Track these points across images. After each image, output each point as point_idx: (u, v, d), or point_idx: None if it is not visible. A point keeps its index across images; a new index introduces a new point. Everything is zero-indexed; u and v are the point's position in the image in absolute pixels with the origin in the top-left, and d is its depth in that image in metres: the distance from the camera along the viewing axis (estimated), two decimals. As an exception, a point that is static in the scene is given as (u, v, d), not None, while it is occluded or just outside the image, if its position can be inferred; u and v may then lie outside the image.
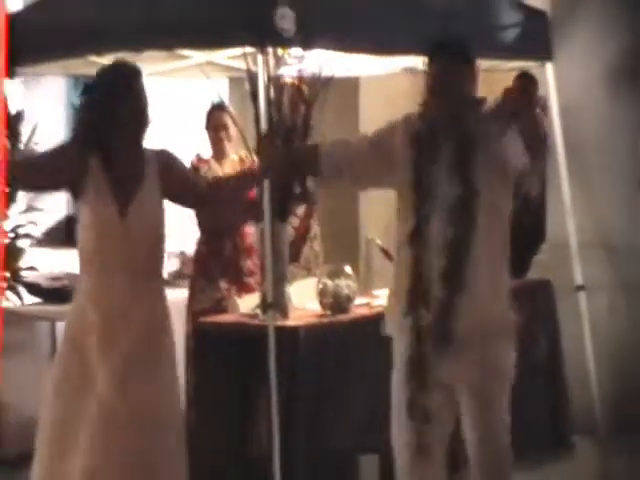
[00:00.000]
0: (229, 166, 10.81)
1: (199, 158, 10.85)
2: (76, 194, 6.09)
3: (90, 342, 6.10)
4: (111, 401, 6.16)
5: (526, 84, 9.50)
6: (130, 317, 6.17)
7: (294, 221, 10.29)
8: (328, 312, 9.47)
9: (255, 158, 9.71)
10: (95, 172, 5.90)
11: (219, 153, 10.86)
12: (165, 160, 6.29)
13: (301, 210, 10.41)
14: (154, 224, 6.21)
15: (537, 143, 6.31)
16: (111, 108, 6.13)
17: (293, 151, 7.18)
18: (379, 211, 6.28)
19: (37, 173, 6.28)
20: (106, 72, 6.43)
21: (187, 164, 9.84)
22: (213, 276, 10.36)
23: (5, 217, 9.19)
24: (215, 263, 10.15)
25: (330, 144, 6.89)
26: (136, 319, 6.22)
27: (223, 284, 10.38)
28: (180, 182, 6.29)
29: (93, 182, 5.93)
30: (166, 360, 6.23)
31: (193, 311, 10.22)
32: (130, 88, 6.19)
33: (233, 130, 10.76)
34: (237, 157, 10.84)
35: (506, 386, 6.76)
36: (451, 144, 6.31)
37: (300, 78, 9.77)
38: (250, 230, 10.59)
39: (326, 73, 9.58)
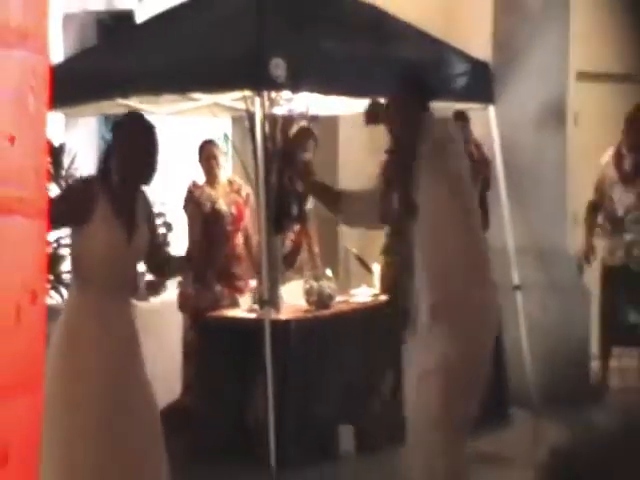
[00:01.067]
0: (221, 189, 10.79)
1: (195, 184, 10.75)
2: (79, 225, 5.79)
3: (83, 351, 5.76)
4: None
5: (461, 119, 9.80)
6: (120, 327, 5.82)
7: (291, 235, 10.29)
8: (313, 308, 9.60)
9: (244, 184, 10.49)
10: (104, 208, 5.62)
11: (211, 179, 10.76)
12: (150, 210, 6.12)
13: (297, 227, 10.35)
14: (140, 257, 5.99)
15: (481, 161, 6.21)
16: (127, 157, 5.85)
17: (318, 186, 7.01)
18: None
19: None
20: (124, 124, 6.09)
21: (185, 190, 10.59)
22: (209, 281, 10.14)
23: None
24: (211, 268, 10.06)
25: (349, 196, 6.68)
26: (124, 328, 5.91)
27: (217, 287, 10.22)
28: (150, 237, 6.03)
29: (101, 216, 5.64)
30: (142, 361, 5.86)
31: (192, 309, 10.00)
32: (146, 142, 5.91)
33: (221, 160, 10.84)
34: (227, 181, 10.87)
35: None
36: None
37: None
38: (239, 241, 10.58)
39: (312, 112, 9.84)
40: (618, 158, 11.60)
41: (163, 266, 6.35)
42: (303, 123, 10.14)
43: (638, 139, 11.56)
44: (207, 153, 10.71)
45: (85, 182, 6.01)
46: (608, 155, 11.75)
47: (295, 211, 9.41)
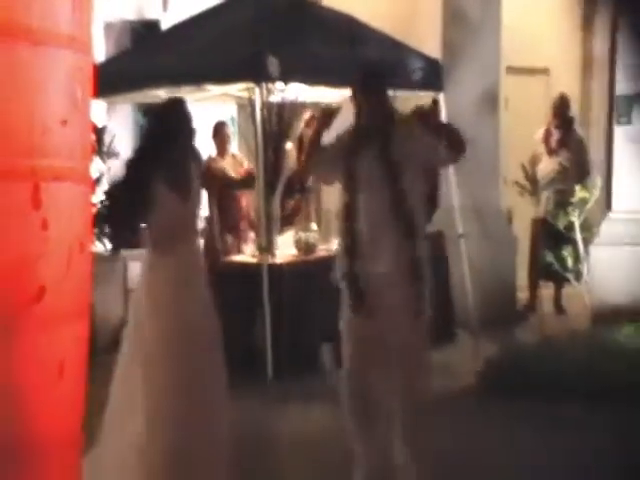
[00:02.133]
0: (228, 160, 10.76)
1: (210, 157, 10.61)
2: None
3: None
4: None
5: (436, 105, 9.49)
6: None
7: (291, 202, 10.29)
8: (301, 253, 9.54)
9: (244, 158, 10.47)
10: (160, 180, 5.53)
11: (222, 153, 10.73)
12: (199, 164, 5.94)
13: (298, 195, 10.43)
14: (199, 206, 5.84)
15: (457, 137, 5.88)
16: (174, 132, 5.74)
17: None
18: (335, 191, 6.22)
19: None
20: (166, 106, 5.95)
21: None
22: (222, 232, 10.04)
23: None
24: (223, 224, 10.03)
25: (316, 161, 6.06)
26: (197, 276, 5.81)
27: (229, 238, 10.07)
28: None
29: (159, 186, 5.55)
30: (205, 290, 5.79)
31: (210, 255, 9.96)
32: (185, 117, 5.81)
33: (228, 138, 10.84)
34: (231, 155, 10.85)
35: None
36: (375, 147, 5.72)
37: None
38: (244, 203, 10.52)
39: (300, 99, 9.77)
40: (547, 135, 11.84)
41: None
42: (310, 112, 10.34)
43: (561, 121, 11.82)
44: (220, 131, 10.72)
45: (139, 172, 5.82)
46: (539, 132, 11.95)
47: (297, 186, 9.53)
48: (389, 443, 5.53)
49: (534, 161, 11.78)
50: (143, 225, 5.78)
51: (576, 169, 11.54)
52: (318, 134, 5.88)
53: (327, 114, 6.04)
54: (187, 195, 5.62)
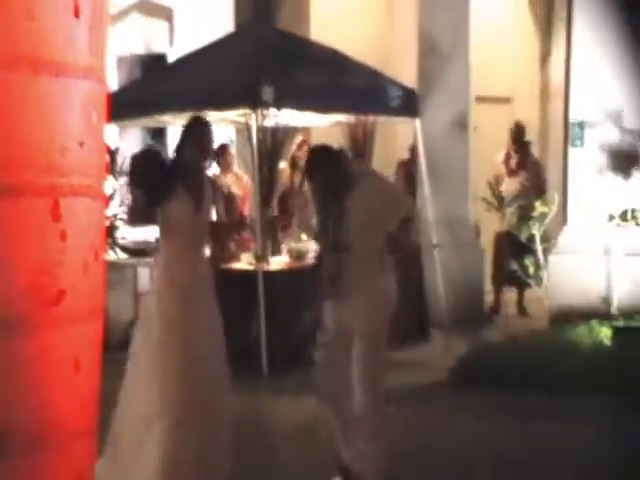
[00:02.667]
0: (231, 177, 10.76)
1: (215, 174, 10.54)
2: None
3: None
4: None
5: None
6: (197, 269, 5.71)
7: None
8: (292, 261, 9.52)
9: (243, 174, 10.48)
10: (180, 190, 5.49)
11: (225, 170, 10.71)
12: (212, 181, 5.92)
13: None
14: (210, 216, 5.77)
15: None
16: (198, 148, 5.70)
17: None
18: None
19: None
20: (194, 124, 5.84)
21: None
22: (226, 242, 10.01)
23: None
24: (227, 235, 10.00)
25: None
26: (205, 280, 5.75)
27: (232, 246, 10.02)
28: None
29: (177, 196, 5.52)
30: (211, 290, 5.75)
31: (214, 262, 9.91)
32: (208, 135, 5.76)
33: (232, 157, 10.84)
34: (234, 173, 10.83)
35: None
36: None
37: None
38: (245, 216, 10.30)
39: (292, 124, 9.88)
40: (507, 158, 11.98)
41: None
42: (301, 136, 10.50)
43: (518, 146, 11.99)
44: (224, 152, 10.68)
45: (165, 175, 5.76)
46: (500, 155, 12.06)
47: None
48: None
49: (497, 181, 11.86)
50: (157, 230, 5.79)
51: (534, 187, 11.68)
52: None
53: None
54: (200, 205, 5.58)
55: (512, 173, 11.85)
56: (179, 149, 5.71)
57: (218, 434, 5.49)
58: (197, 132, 5.74)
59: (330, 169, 5.57)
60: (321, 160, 5.67)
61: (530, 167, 11.96)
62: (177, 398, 5.39)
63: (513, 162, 11.94)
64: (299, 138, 10.41)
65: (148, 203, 5.66)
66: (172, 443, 5.34)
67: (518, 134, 12.06)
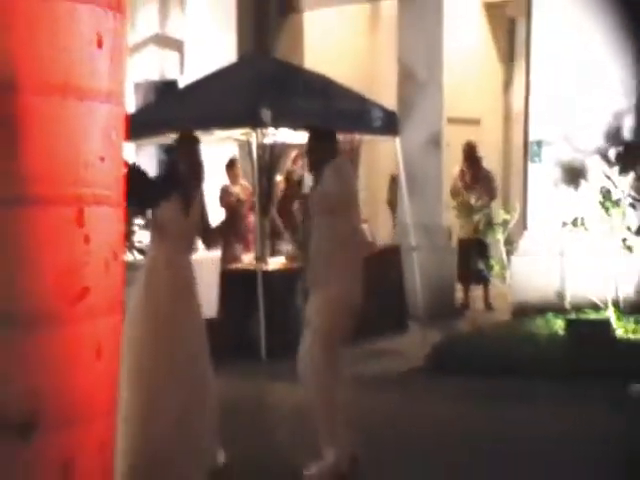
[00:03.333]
0: (238, 187, 10.67)
1: (225, 185, 10.64)
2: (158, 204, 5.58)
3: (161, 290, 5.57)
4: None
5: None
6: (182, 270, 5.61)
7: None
8: (288, 262, 9.49)
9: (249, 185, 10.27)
10: (174, 196, 5.43)
11: (234, 181, 10.67)
12: (201, 198, 5.74)
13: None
14: (198, 220, 5.67)
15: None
16: (189, 163, 5.64)
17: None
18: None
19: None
20: (182, 141, 5.81)
21: (220, 189, 10.46)
22: (234, 245, 9.94)
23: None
24: (235, 239, 9.92)
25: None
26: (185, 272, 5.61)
27: (239, 249, 9.97)
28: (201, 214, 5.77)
29: (171, 200, 5.46)
30: (194, 294, 5.61)
31: (223, 263, 9.85)
32: (197, 152, 5.70)
33: (239, 170, 10.75)
34: (241, 184, 10.74)
35: None
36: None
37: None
38: (250, 220, 10.32)
39: (287, 141, 9.93)
40: (462, 174, 12.03)
41: (209, 235, 5.95)
42: (297, 150, 10.35)
43: (470, 162, 12.08)
44: (232, 166, 10.71)
45: (162, 182, 5.69)
46: (455, 170, 12.14)
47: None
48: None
49: (455, 192, 11.89)
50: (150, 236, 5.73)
51: (487, 195, 11.75)
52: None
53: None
54: (187, 210, 5.49)
55: (468, 187, 11.90)
56: (171, 160, 5.66)
57: (197, 412, 5.32)
58: (186, 147, 5.69)
59: None
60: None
61: (483, 180, 12.01)
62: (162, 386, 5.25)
63: (468, 177, 11.98)
64: (294, 153, 10.40)
65: (141, 205, 5.61)
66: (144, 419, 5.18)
67: (470, 152, 12.11)
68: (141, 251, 10.52)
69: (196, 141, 5.74)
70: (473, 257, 11.30)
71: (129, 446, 5.02)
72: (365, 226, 10.80)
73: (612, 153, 9.85)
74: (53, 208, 2.72)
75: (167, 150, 6.14)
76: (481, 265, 10.78)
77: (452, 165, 12.25)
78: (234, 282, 8.97)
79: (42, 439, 2.69)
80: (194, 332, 5.45)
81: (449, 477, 5.62)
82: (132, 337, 5.15)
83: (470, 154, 12.05)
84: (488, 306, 11.84)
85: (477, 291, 12.02)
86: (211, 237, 6.01)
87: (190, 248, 5.66)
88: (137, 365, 5.21)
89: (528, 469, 5.72)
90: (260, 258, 9.13)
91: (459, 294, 12.05)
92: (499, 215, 10.87)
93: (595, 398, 7.22)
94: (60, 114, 2.73)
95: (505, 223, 10.68)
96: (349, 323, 5.48)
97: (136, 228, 10.80)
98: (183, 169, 5.57)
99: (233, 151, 11.41)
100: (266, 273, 8.99)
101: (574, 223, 9.83)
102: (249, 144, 9.52)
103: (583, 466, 5.72)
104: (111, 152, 2.89)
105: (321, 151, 5.55)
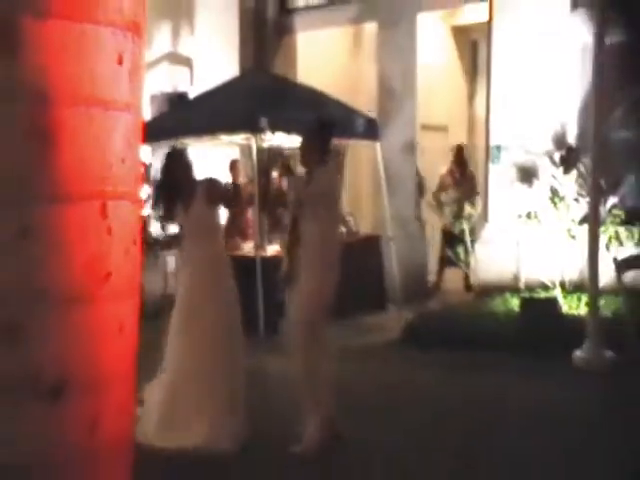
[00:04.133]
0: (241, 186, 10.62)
1: (227, 182, 10.44)
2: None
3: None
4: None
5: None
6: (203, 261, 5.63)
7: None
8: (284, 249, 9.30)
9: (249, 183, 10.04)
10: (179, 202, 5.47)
11: (235, 180, 10.53)
12: (208, 184, 5.65)
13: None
14: (202, 218, 5.60)
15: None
16: (184, 171, 5.62)
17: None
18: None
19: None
20: (170, 155, 5.77)
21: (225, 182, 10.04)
22: (234, 236, 9.90)
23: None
24: (235, 230, 9.87)
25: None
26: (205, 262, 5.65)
27: (238, 239, 9.94)
28: (219, 192, 5.75)
29: (179, 206, 5.49)
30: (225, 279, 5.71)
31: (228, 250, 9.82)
32: (185, 162, 5.67)
33: (240, 170, 10.63)
34: (243, 182, 10.63)
35: None
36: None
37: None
38: (249, 215, 10.28)
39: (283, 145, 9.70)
40: (451, 172, 11.94)
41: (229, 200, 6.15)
42: (286, 154, 10.30)
43: (458, 162, 11.97)
44: (234, 166, 10.61)
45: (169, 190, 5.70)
46: (444, 169, 12.00)
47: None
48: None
49: (443, 188, 11.83)
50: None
51: (472, 193, 11.66)
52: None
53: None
54: (187, 209, 5.48)
55: (457, 183, 11.84)
56: (165, 170, 5.62)
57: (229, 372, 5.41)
58: (174, 158, 5.67)
59: None
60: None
61: (468, 177, 11.98)
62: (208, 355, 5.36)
63: (457, 175, 11.93)
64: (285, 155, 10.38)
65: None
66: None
67: (460, 154, 12.05)
68: (156, 240, 10.50)
69: (181, 152, 5.75)
70: (454, 245, 11.29)
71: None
72: (350, 218, 10.82)
73: (557, 156, 9.87)
74: (81, 203, 2.72)
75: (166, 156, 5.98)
76: (450, 252, 10.78)
77: (424, 165, 12.25)
78: (235, 267, 8.94)
79: (71, 401, 2.70)
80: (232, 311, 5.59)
81: (423, 432, 5.65)
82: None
83: (460, 155, 11.98)
84: (468, 288, 11.69)
85: (449, 274, 11.97)
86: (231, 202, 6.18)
87: (204, 240, 5.60)
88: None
89: (488, 426, 5.78)
90: (259, 246, 9.09)
91: (431, 278, 12.03)
92: (465, 209, 10.88)
93: (544, 364, 7.28)
94: (86, 123, 2.73)
95: (470, 216, 10.70)
96: (325, 308, 5.30)
97: (152, 221, 10.79)
98: (177, 175, 5.56)
99: (235, 153, 11.37)
100: (264, 259, 8.93)
101: (528, 216, 9.85)
102: (249, 147, 9.49)
103: (534, 420, 5.82)
104: (130, 154, 2.88)
105: (316, 150, 5.35)
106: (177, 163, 5.64)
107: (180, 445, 5.09)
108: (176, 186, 5.55)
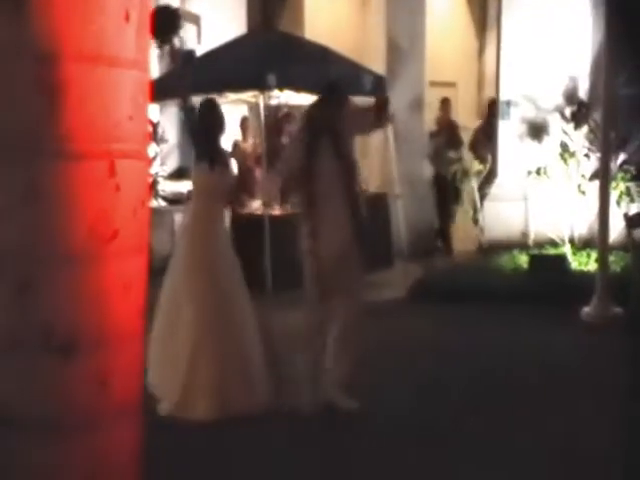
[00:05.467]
0: (249, 143, 10.64)
1: (236, 140, 10.49)
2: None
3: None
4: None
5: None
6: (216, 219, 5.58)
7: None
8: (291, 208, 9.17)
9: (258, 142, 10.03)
10: (202, 156, 5.42)
11: (245, 137, 10.63)
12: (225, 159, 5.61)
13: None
14: (225, 176, 5.55)
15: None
16: (216, 124, 5.55)
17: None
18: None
19: None
20: (207, 104, 5.71)
21: (231, 143, 10.06)
22: (242, 194, 9.86)
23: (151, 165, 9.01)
24: (243, 189, 9.86)
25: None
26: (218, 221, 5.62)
27: (246, 197, 9.91)
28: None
29: (201, 160, 5.43)
30: (228, 243, 5.66)
31: (233, 209, 9.74)
32: (219, 109, 5.64)
33: (250, 128, 10.66)
34: (252, 140, 10.65)
35: None
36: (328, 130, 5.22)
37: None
38: (257, 173, 10.24)
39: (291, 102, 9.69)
40: (484, 127, 11.72)
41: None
42: (286, 110, 10.21)
43: (491, 117, 11.43)
44: (244, 123, 10.63)
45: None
46: (477, 123, 12.02)
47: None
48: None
49: (477, 143, 11.53)
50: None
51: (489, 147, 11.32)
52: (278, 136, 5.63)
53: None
54: (213, 166, 5.42)
55: (489, 138, 11.35)
56: (198, 125, 5.50)
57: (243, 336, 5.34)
58: (212, 109, 5.62)
59: None
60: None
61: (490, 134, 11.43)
62: (202, 288, 5.29)
63: (489, 130, 11.49)
64: (284, 111, 10.34)
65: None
66: (196, 328, 5.20)
67: (493, 107, 11.36)
68: (165, 198, 10.51)
69: (216, 102, 5.75)
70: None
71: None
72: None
73: (568, 112, 9.80)
74: (88, 161, 2.72)
75: (186, 111, 5.89)
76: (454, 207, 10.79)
77: (431, 122, 12.17)
78: (243, 225, 8.95)
79: (81, 359, 2.71)
80: (232, 269, 5.50)
81: (433, 383, 5.70)
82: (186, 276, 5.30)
83: (493, 109, 11.38)
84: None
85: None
86: (232, 194, 6.01)
87: (221, 200, 5.58)
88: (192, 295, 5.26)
89: (495, 374, 5.88)
90: (267, 203, 9.08)
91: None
92: (474, 166, 10.83)
93: (552, 320, 7.31)
94: (93, 80, 2.71)
95: (479, 173, 10.66)
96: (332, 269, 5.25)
97: (160, 179, 10.78)
98: (208, 125, 5.47)
99: (243, 111, 11.32)
100: (272, 217, 8.93)
101: (537, 172, 9.83)
102: (257, 105, 9.44)
103: (538, 369, 5.94)
104: (138, 112, 2.86)
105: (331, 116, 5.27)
106: (212, 110, 5.58)
107: (190, 415, 5.04)
108: (211, 136, 5.47)
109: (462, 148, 11.64)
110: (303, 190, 5.27)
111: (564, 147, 9.61)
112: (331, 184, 5.19)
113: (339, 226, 5.25)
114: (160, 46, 5.95)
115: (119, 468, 2.84)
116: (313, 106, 5.59)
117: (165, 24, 5.67)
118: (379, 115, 5.50)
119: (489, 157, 11.11)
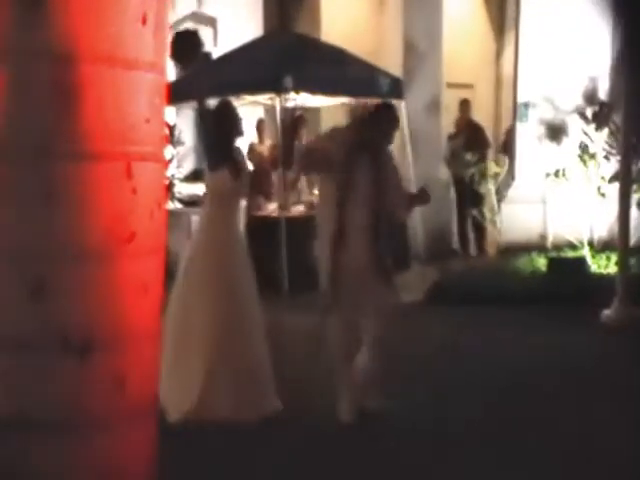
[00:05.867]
0: (265, 145, 10.60)
1: (252, 142, 10.50)
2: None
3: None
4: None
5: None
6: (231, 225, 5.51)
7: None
8: (307, 210, 9.36)
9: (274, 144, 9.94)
10: (226, 166, 5.33)
11: (261, 140, 10.62)
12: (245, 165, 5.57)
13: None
14: (241, 179, 5.44)
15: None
16: (232, 126, 5.50)
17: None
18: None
19: None
20: (224, 105, 5.69)
21: (247, 145, 10.09)
22: (257, 197, 9.87)
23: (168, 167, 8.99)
24: (259, 191, 9.84)
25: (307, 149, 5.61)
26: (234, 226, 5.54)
27: (262, 200, 9.89)
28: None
29: (216, 163, 5.35)
30: (243, 247, 5.56)
31: (248, 212, 9.74)
32: (236, 115, 5.58)
33: (266, 130, 10.64)
34: (268, 142, 10.62)
35: None
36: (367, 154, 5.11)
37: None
38: (274, 176, 10.08)
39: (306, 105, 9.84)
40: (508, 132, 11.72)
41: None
42: (299, 112, 10.20)
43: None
44: (260, 125, 10.62)
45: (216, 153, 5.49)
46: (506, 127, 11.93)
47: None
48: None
49: (506, 145, 11.59)
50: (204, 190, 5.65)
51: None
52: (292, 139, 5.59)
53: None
54: (237, 175, 5.32)
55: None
56: (214, 127, 5.42)
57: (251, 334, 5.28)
58: (228, 112, 5.60)
59: None
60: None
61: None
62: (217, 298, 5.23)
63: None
64: (298, 113, 10.34)
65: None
66: (210, 335, 5.13)
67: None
68: (181, 201, 10.54)
69: (232, 104, 5.72)
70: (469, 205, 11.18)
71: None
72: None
73: (589, 112, 9.74)
74: (105, 163, 2.73)
75: (202, 113, 5.82)
76: (476, 212, 10.73)
77: (450, 125, 12.14)
78: (259, 228, 8.95)
79: (97, 360, 2.73)
80: (246, 277, 5.40)
81: (450, 385, 5.71)
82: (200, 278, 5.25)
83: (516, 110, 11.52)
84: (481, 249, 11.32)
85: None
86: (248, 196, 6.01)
87: (238, 205, 5.58)
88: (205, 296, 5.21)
89: (513, 376, 5.86)
90: (283, 206, 9.08)
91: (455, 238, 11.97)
92: (491, 168, 10.80)
93: (571, 322, 7.30)
94: (110, 82, 2.73)
95: (496, 175, 10.64)
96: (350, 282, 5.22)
97: (176, 181, 10.82)
98: (224, 127, 5.44)
99: (260, 113, 11.34)
100: (288, 219, 8.94)
101: (556, 174, 9.79)
102: (273, 107, 9.45)
103: (556, 371, 5.91)
104: (155, 115, 2.88)
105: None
106: (229, 112, 5.55)
107: (202, 415, 4.97)
108: (228, 138, 5.43)
109: (488, 149, 11.60)
110: (337, 193, 5.12)
111: (584, 149, 9.57)
112: (363, 196, 5.13)
113: (363, 243, 5.26)
114: (182, 69, 5.94)
115: (133, 469, 2.86)
116: (364, 119, 5.45)
117: (186, 48, 5.64)
118: (411, 205, 5.65)
119: (506, 160, 11.10)
